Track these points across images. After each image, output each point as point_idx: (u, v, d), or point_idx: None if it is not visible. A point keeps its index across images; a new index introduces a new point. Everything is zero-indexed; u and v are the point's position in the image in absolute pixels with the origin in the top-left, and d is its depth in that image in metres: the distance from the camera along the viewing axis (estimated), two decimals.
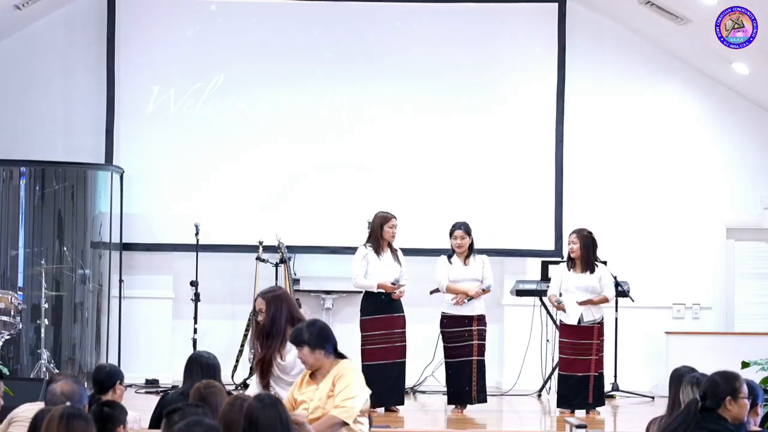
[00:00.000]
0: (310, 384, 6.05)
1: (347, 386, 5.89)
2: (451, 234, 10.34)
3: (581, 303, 10.12)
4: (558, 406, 10.33)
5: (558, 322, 10.44)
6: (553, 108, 12.37)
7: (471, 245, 10.34)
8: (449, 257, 10.36)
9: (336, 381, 5.93)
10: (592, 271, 10.19)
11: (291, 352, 6.61)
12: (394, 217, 10.31)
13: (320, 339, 6.01)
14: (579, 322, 10.20)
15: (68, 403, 4.54)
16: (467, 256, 10.31)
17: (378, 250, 10.24)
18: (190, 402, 5.54)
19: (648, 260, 12.40)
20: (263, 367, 6.77)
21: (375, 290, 10.15)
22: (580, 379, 10.19)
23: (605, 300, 10.25)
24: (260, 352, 6.81)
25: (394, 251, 10.33)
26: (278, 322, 6.71)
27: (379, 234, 10.26)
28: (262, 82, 12.39)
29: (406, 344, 10.27)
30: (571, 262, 10.28)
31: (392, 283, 10.13)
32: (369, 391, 6.06)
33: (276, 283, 11.93)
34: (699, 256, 12.51)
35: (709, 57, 11.93)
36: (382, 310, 10.16)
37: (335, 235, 12.24)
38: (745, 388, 5.26)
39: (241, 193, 12.34)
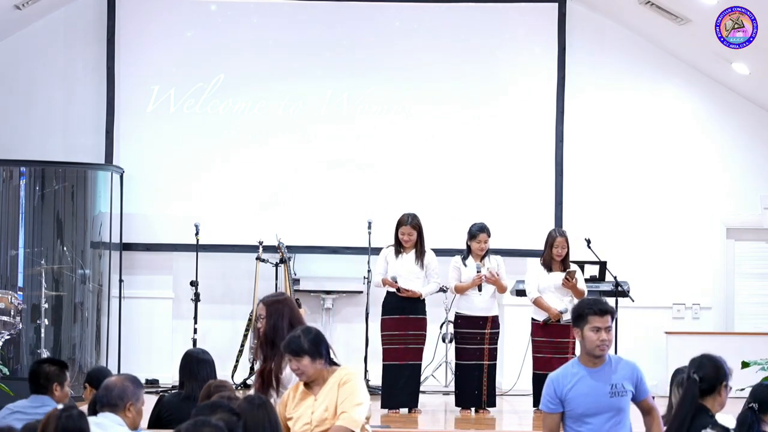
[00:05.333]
0: (306, 396, 5.63)
1: (352, 393, 5.52)
2: (473, 236, 10.18)
3: (565, 283, 10.09)
4: (535, 406, 10.18)
5: (532, 321, 10.38)
6: (553, 108, 12.38)
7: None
8: (464, 259, 10.30)
9: (341, 385, 5.55)
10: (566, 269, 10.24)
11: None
12: (408, 224, 10.08)
13: (319, 347, 5.59)
14: (559, 321, 10.21)
15: (60, 406, 4.53)
16: (482, 258, 10.28)
17: (397, 250, 10.22)
18: (200, 400, 5.52)
19: (648, 260, 12.40)
20: (264, 379, 6.16)
21: (382, 287, 10.14)
22: None
23: (583, 293, 10.23)
24: (262, 363, 6.22)
25: (420, 253, 10.20)
26: (280, 330, 6.12)
27: (396, 236, 10.24)
28: (262, 82, 12.40)
29: (422, 347, 10.16)
30: (548, 264, 10.27)
31: (393, 279, 10.06)
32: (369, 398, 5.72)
33: (276, 283, 11.96)
34: (699, 256, 12.51)
35: (709, 57, 11.93)
36: (399, 310, 10.08)
37: (335, 235, 12.24)
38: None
39: (241, 193, 12.34)
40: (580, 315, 5.50)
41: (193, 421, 4.05)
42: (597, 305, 5.51)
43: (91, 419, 4.95)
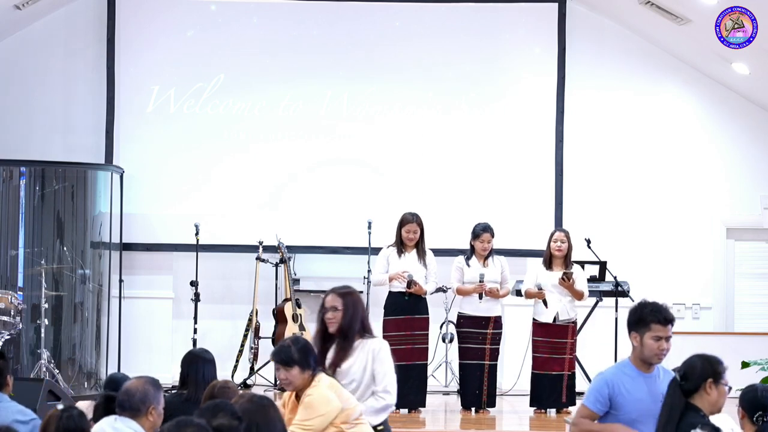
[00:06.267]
0: (295, 408, 5.57)
1: (308, 407, 5.45)
2: (477, 236, 10.23)
3: (561, 282, 10.09)
4: (531, 406, 10.34)
5: (532, 321, 10.40)
6: (553, 108, 12.37)
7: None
8: (467, 259, 10.30)
9: (305, 398, 5.50)
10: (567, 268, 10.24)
11: (350, 358, 6.00)
12: (414, 222, 10.15)
13: (308, 357, 5.53)
14: (554, 320, 10.21)
15: (60, 406, 4.52)
16: (486, 258, 10.28)
17: (399, 250, 10.22)
18: (204, 401, 5.50)
19: (648, 260, 12.40)
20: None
21: (388, 284, 10.14)
22: (554, 378, 10.20)
23: (581, 294, 10.22)
24: (334, 357, 5.97)
25: (421, 252, 10.23)
26: (355, 324, 5.96)
27: (398, 235, 10.24)
28: (261, 82, 12.40)
29: (428, 346, 10.23)
30: (548, 261, 10.27)
31: (405, 277, 10.03)
32: (339, 405, 5.53)
33: (276, 283, 11.96)
34: (699, 256, 12.51)
35: (709, 57, 11.93)
36: (403, 310, 10.12)
37: (335, 235, 12.24)
38: (727, 375, 5.10)
39: (241, 193, 12.34)
40: (642, 320, 5.33)
41: (175, 421, 4.05)
42: (662, 313, 5.35)
43: (107, 421, 4.92)
